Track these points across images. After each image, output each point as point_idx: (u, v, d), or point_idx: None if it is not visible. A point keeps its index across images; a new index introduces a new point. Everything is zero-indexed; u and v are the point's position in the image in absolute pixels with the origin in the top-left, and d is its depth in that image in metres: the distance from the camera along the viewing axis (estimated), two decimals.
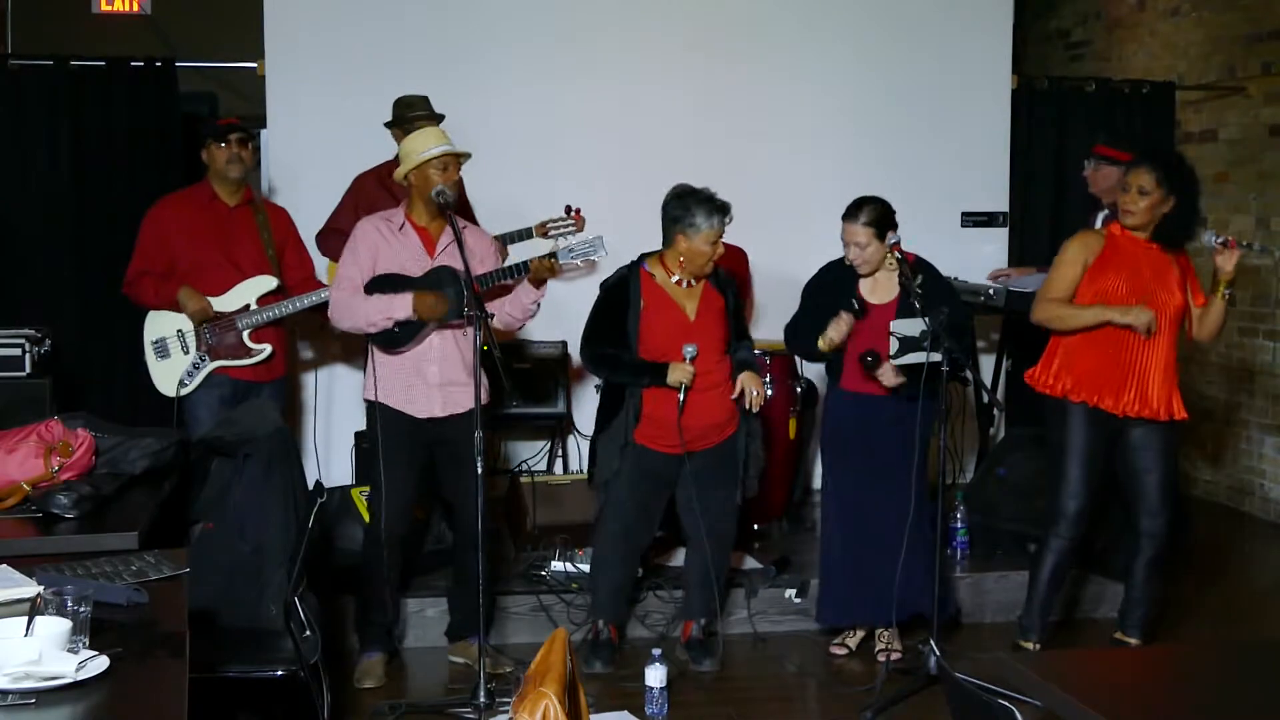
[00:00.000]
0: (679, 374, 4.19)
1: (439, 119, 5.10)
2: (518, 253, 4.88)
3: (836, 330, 4.25)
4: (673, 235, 4.27)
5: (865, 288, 4.39)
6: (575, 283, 4.81)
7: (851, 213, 4.32)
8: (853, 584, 4.49)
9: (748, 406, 4.27)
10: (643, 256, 4.39)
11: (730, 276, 4.52)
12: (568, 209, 5.14)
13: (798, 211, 5.89)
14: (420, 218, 4.20)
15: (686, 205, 4.23)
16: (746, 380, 4.27)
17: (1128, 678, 2.55)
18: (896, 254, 4.26)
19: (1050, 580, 4.38)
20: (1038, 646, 4.39)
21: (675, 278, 4.32)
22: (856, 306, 4.27)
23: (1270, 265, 6.69)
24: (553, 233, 5.06)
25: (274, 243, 4.82)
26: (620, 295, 4.32)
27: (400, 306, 4.08)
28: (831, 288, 4.40)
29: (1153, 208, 4.12)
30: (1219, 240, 4.09)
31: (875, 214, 4.29)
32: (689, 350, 4.20)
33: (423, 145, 4.12)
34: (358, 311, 4.12)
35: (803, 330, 4.42)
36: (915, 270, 4.29)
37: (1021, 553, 5.10)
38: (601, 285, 4.41)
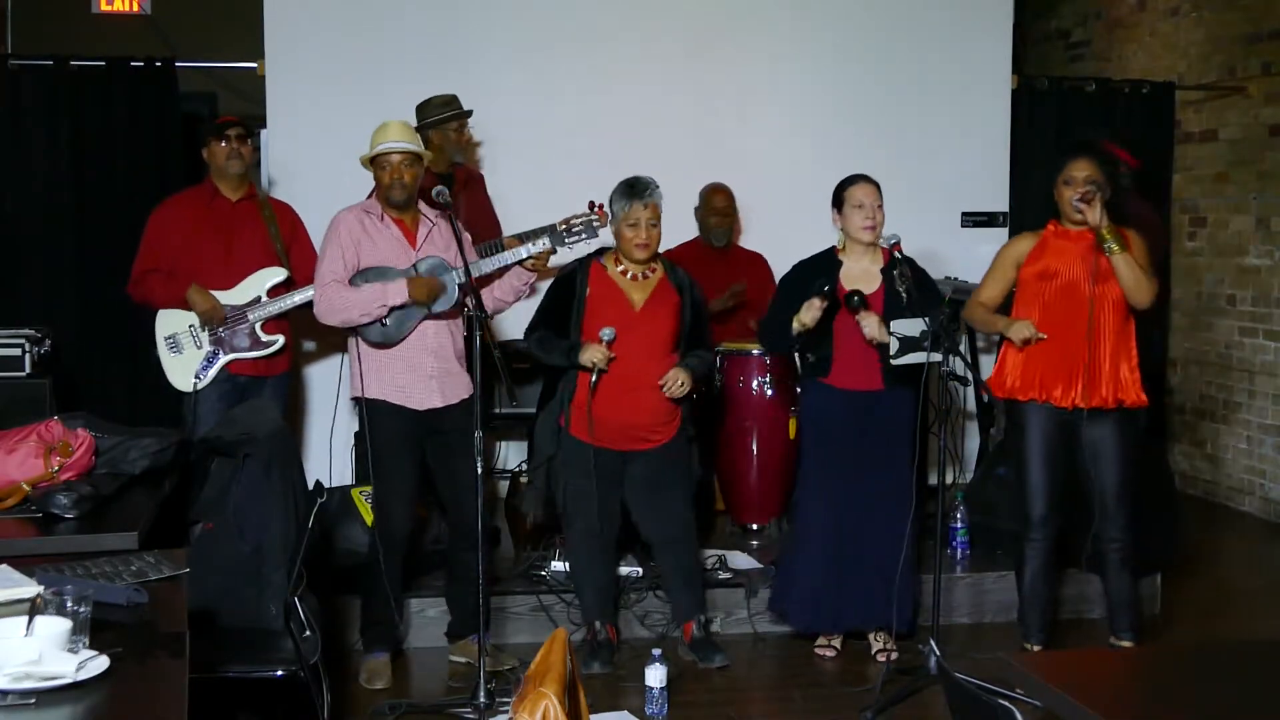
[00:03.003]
0: (589, 354, 4.20)
1: (466, 114, 5.14)
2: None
3: (809, 314, 4.25)
4: (611, 230, 4.38)
5: (846, 278, 4.38)
6: None
7: (865, 177, 4.38)
8: (835, 588, 4.46)
9: (666, 392, 4.25)
10: (600, 251, 4.43)
11: (694, 282, 4.49)
12: (591, 205, 5.15)
13: (797, 211, 5.87)
14: (390, 210, 4.21)
15: (611, 197, 4.33)
16: (674, 370, 4.27)
17: (1128, 678, 2.55)
18: (897, 253, 4.25)
19: (1034, 583, 4.37)
20: (1038, 647, 4.39)
21: (621, 268, 4.37)
22: (826, 289, 4.26)
23: (1270, 264, 6.70)
24: (576, 228, 5.08)
25: (281, 236, 4.83)
26: (568, 285, 4.37)
27: (395, 293, 4.08)
28: (811, 278, 4.39)
29: (1101, 194, 4.16)
30: (1077, 200, 4.13)
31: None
32: (605, 333, 4.20)
33: (372, 142, 4.18)
34: (350, 304, 4.10)
35: (775, 321, 4.42)
36: (902, 262, 4.28)
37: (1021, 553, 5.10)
38: (557, 272, 4.47)
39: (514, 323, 5.44)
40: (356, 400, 4.24)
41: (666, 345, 4.35)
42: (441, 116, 5.10)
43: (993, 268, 4.38)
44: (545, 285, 4.63)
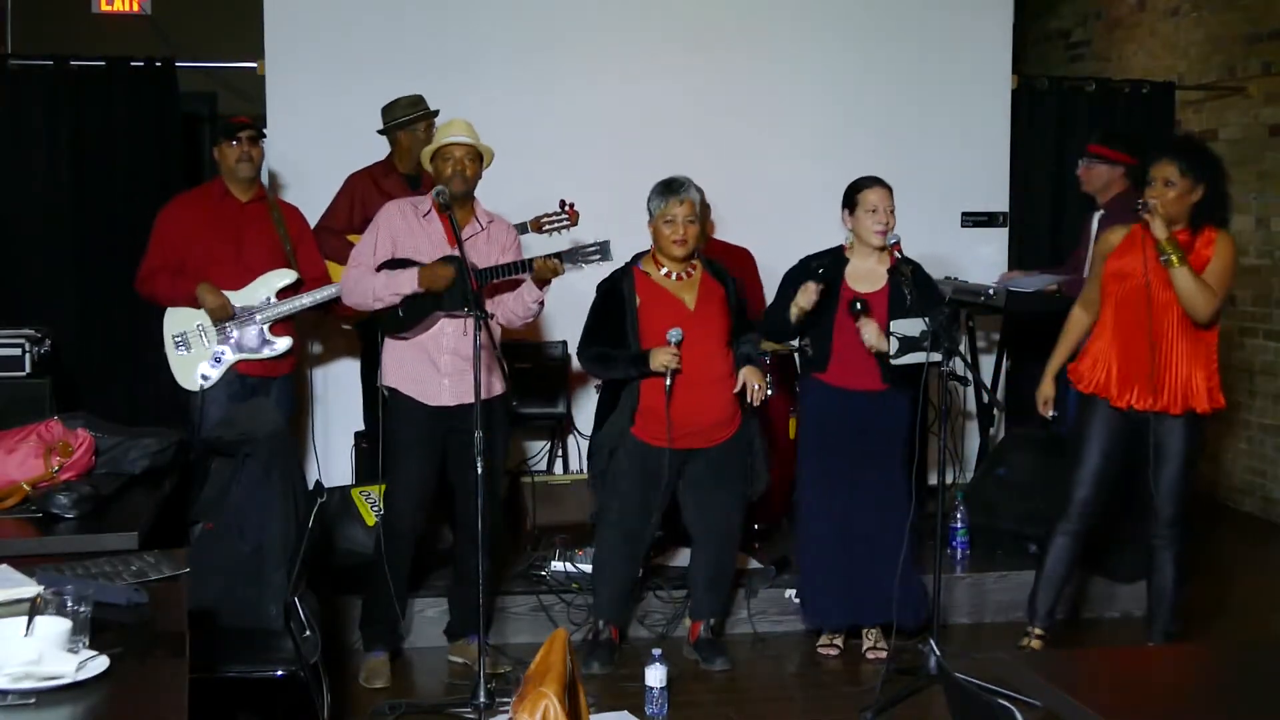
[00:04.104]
0: (662, 357, 4.17)
1: (432, 115, 5.14)
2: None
3: (804, 297, 4.25)
4: (649, 230, 4.36)
5: (851, 277, 4.39)
6: (576, 283, 4.82)
7: (880, 180, 4.37)
8: (836, 584, 4.47)
9: (749, 401, 4.26)
10: (636, 256, 4.41)
11: (726, 269, 4.51)
12: (562, 204, 5.16)
13: (797, 210, 5.88)
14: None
15: (648, 197, 4.32)
16: (748, 374, 4.25)
17: (1128, 678, 2.55)
18: (897, 253, 4.26)
19: (1055, 564, 4.37)
20: (1040, 634, 4.39)
21: (664, 270, 4.34)
22: (860, 307, 4.27)
23: (1270, 264, 6.70)
24: (546, 227, 5.07)
25: (290, 238, 4.83)
26: (615, 295, 4.33)
27: (406, 281, 4.11)
28: (816, 274, 4.39)
29: (1181, 198, 4.07)
30: (1140, 210, 4.07)
31: None
32: (673, 335, 4.17)
33: (440, 135, 4.21)
34: (366, 287, 4.17)
35: (775, 310, 4.43)
36: (906, 263, 4.28)
37: (1021, 553, 5.10)
38: (598, 287, 4.42)
39: (555, 325, 5.44)
40: (381, 388, 4.27)
41: (723, 339, 4.33)
42: (410, 117, 5.10)
43: (1091, 264, 4.38)
44: (558, 295, 4.62)
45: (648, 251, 4.40)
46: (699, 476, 4.35)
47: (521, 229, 5.08)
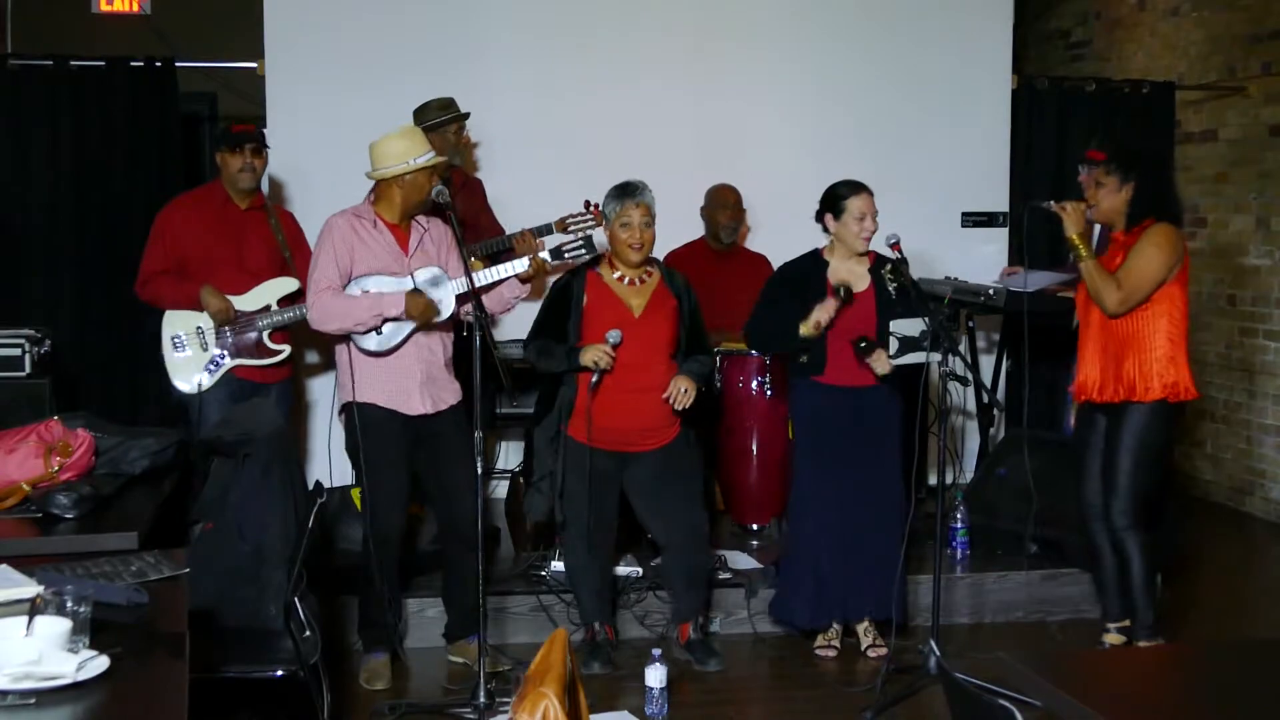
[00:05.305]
0: (593, 353, 4.18)
1: (464, 117, 5.17)
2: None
3: (824, 312, 4.25)
4: (606, 233, 4.39)
5: (835, 280, 4.39)
6: None
7: (863, 186, 4.40)
8: (832, 583, 4.47)
9: (673, 404, 4.25)
10: (596, 258, 4.40)
11: (688, 285, 4.49)
12: (586, 204, 5.17)
13: (797, 211, 5.85)
14: (391, 215, 4.17)
15: (604, 201, 4.35)
16: (676, 379, 4.27)
17: (1128, 678, 2.55)
18: (897, 252, 4.26)
19: (1099, 570, 4.46)
20: (1113, 626, 4.45)
21: (618, 273, 4.36)
22: (843, 295, 4.26)
23: (1270, 264, 6.69)
24: (572, 227, 5.11)
25: (288, 244, 4.83)
26: (564, 294, 4.36)
27: (391, 304, 4.05)
28: (800, 281, 4.41)
29: (1110, 195, 4.20)
30: (1052, 207, 4.24)
31: None
32: (612, 335, 4.19)
33: (414, 150, 4.12)
34: (345, 312, 4.05)
35: (771, 322, 4.41)
36: (886, 262, 4.30)
37: (1021, 553, 5.10)
38: (553, 284, 4.45)
39: (511, 324, 5.45)
40: (346, 407, 4.18)
41: (666, 351, 4.35)
42: (441, 120, 5.11)
43: None
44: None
45: (606, 255, 4.41)
46: (642, 481, 4.36)
47: (546, 229, 5.10)
